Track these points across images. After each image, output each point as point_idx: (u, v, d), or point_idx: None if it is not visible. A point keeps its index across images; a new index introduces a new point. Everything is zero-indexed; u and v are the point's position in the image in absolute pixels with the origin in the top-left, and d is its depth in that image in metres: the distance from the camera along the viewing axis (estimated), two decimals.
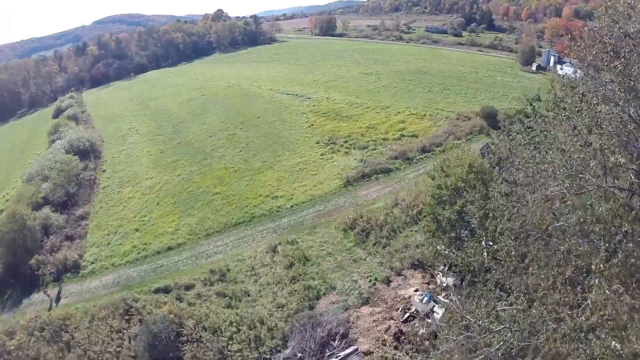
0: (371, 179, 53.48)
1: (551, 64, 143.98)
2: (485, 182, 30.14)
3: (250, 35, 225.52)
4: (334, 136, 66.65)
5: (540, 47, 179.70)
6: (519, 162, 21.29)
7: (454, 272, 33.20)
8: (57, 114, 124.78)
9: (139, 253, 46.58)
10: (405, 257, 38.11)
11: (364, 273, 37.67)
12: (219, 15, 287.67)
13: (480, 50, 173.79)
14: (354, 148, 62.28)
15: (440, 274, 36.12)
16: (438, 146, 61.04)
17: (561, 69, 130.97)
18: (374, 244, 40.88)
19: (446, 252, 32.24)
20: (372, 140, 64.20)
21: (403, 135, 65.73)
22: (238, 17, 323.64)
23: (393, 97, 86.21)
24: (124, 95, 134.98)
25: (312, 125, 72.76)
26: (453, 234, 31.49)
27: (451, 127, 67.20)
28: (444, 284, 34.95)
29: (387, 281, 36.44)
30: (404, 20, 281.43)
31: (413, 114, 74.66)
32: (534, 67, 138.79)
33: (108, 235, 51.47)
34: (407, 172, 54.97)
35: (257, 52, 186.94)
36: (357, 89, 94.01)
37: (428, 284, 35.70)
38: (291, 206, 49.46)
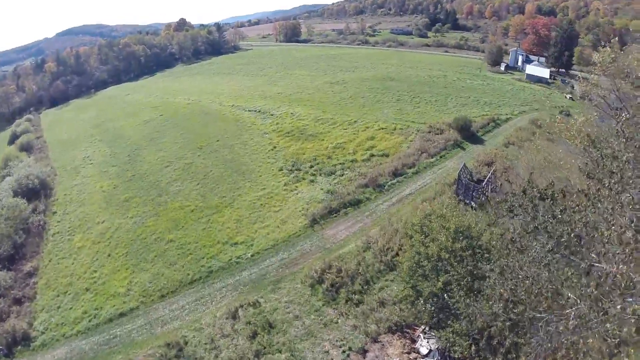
0: (339, 214, 47.09)
1: (519, 63, 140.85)
2: (474, 252, 24.89)
3: (214, 44, 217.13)
4: (299, 160, 60.13)
5: (506, 45, 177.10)
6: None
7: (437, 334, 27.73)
8: (13, 139, 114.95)
9: (90, 320, 39.10)
10: (381, 319, 31.88)
11: (336, 341, 31.34)
12: (182, 24, 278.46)
13: (446, 51, 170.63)
14: (320, 174, 55.88)
15: (422, 335, 30.47)
16: (411, 167, 55.36)
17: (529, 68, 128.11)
18: (346, 302, 34.47)
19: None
20: (340, 164, 57.89)
21: (373, 155, 59.59)
22: (202, 25, 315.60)
23: (361, 109, 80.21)
24: (82, 116, 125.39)
25: (275, 147, 66.00)
26: (438, 307, 25.66)
27: (423, 143, 61.54)
28: (427, 350, 29.32)
29: (363, 351, 30.17)
30: (369, 23, 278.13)
31: (382, 129, 68.78)
32: (502, 67, 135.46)
33: (58, 296, 43.85)
34: (378, 202, 48.80)
35: (220, 62, 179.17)
36: (323, 102, 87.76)
37: (409, 353, 29.73)
38: (252, 255, 42.60)
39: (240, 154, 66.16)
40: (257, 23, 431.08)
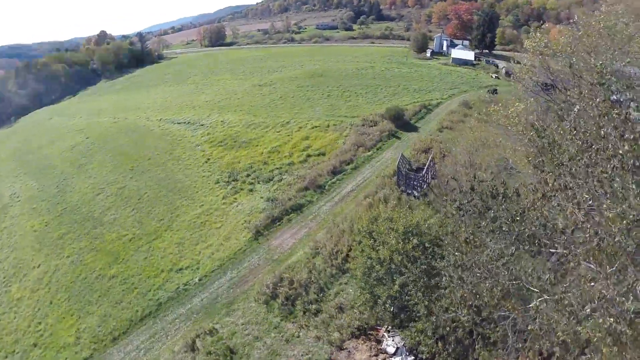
0: (283, 222, 44.77)
1: (444, 48, 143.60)
2: (425, 249, 23.83)
3: (137, 55, 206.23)
4: (234, 170, 57.20)
5: (430, 31, 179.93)
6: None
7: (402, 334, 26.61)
8: None
9: None
10: (343, 325, 30.05)
11: (302, 355, 29.21)
12: (102, 37, 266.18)
13: (372, 42, 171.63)
14: (258, 182, 53.35)
15: (386, 335, 29.11)
16: (349, 163, 53.98)
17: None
18: (304, 313, 32.34)
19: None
20: (277, 168, 55.56)
21: (309, 156, 57.77)
22: (124, 36, 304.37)
23: (292, 109, 78.20)
24: (5, 147, 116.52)
25: (209, 159, 62.65)
26: (398, 307, 24.58)
27: (359, 137, 60.35)
28: (394, 348, 28.02)
29: None
30: (294, 20, 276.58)
31: (316, 127, 67.12)
32: (428, 54, 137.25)
33: (6, 357, 39.33)
34: (320, 204, 46.97)
35: (144, 74, 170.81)
36: (253, 105, 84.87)
37: (376, 355, 28.22)
38: (200, 279, 39.54)
39: (173, 171, 62.42)
40: (180, 29, 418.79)
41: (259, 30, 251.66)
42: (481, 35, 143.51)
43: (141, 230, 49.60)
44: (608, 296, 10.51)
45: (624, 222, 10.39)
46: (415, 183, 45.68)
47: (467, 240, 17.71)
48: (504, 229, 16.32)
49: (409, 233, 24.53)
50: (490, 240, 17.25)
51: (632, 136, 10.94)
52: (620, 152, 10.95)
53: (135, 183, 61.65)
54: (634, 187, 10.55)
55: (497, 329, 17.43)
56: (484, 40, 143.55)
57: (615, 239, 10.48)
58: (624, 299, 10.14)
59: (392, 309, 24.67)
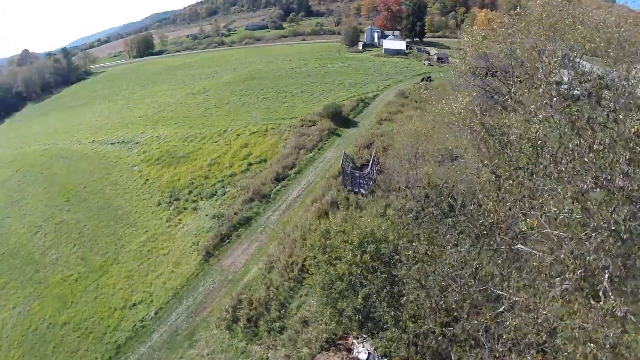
0: (232, 238, 42.58)
1: (376, 39, 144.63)
2: (381, 258, 22.86)
3: (63, 73, 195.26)
4: (175, 188, 54.36)
5: (361, 24, 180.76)
6: None
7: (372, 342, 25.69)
8: None
9: None
10: (311, 340, 28.63)
11: None
12: (25, 57, 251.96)
13: (304, 40, 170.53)
14: (201, 198, 50.86)
15: (355, 342, 28.00)
16: (292, 168, 52.42)
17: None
18: (269, 333, 30.68)
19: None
20: (219, 181, 53.21)
21: (251, 164, 55.75)
22: (48, 53, 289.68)
23: (228, 117, 75.79)
24: None
25: (148, 180, 59.31)
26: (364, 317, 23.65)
27: (298, 139, 58.95)
28: (366, 353, 27.00)
29: None
30: (223, 23, 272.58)
31: (254, 133, 65.14)
32: (360, 47, 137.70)
33: None
34: (268, 214, 45.17)
35: (72, 93, 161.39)
36: (188, 116, 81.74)
37: None
38: (156, 313, 36.79)
39: (112, 197, 58.55)
40: (107, 41, 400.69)
41: (188, 35, 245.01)
42: (411, 25, 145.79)
43: (86, 268, 45.90)
44: (587, 327, 10.09)
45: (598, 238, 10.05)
46: (361, 181, 44.94)
47: (427, 252, 17.50)
48: (467, 233, 16.00)
49: (364, 244, 23.41)
50: (451, 248, 17.00)
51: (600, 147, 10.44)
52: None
53: (73, 215, 57.26)
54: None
55: (470, 335, 16.88)
56: (414, 29, 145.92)
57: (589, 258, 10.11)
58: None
59: (358, 319, 23.67)
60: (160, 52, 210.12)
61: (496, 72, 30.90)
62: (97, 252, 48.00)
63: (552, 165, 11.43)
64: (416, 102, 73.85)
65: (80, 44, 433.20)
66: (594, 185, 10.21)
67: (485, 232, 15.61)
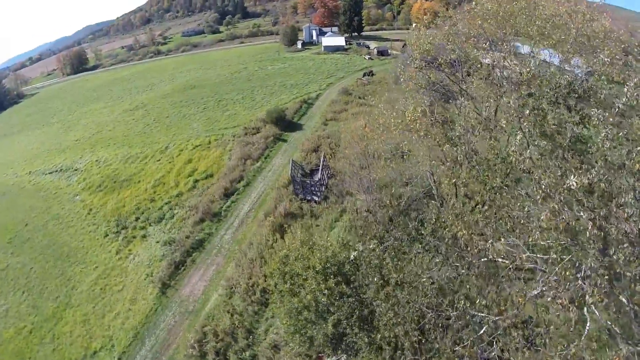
0: (187, 265, 39.83)
1: (314, 37, 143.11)
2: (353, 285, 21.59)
3: None
4: (121, 216, 50.74)
5: (298, 22, 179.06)
6: None
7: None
8: None
9: None
10: None
11: None
12: None
13: (242, 42, 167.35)
14: (150, 224, 47.62)
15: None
16: (240, 180, 50.10)
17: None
18: None
19: None
20: (166, 204, 50.11)
21: (197, 181, 52.97)
22: None
23: (169, 131, 72.36)
24: None
25: (91, 210, 55.26)
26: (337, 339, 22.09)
27: (243, 149, 56.67)
28: None
29: None
30: (158, 31, 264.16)
31: (197, 146, 62.26)
32: (299, 45, 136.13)
33: None
34: (221, 234, 42.74)
35: (4, 119, 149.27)
36: (127, 135, 77.37)
37: None
38: (119, 359, 34.30)
39: (56, 233, 53.95)
40: (39, 59, 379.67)
41: (123, 47, 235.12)
42: (349, 20, 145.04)
43: (39, 317, 41.73)
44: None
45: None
46: (313, 189, 43.29)
47: (398, 282, 17.00)
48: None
49: (327, 269, 21.74)
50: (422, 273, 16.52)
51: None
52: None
53: (18, 259, 52.11)
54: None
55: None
56: (352, 24, 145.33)
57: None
58: None
59: (331, 342, 22.09)
60: (95, 67, 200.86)
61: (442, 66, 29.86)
62: (47, 297, 43.95)
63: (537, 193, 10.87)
64: (360, 98, 72.90)
65: (12, 64, 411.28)
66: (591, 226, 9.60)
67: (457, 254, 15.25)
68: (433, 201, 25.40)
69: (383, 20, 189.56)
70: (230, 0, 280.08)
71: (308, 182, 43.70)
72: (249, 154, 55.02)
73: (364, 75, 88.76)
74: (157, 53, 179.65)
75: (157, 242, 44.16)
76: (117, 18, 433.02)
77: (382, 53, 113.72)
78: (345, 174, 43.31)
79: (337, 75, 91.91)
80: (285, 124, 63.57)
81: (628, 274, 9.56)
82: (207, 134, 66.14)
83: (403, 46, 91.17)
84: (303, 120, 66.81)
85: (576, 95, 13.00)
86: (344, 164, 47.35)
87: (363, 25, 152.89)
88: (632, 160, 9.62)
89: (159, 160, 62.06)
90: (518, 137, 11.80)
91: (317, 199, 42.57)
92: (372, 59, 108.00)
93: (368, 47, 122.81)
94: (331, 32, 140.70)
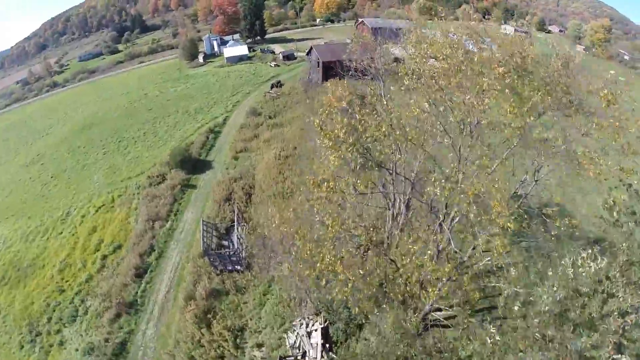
0: None
1: (216, 48, 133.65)
2: None
3: None
4: (32, 317, 41.10)
5: (199, 32, 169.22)
6: None
7: None
8: None
9: None
10: None
11: None
12: None
13: (142, 62, 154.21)
14: (64, 324, 38.84)
15: None
16: (152, 252, 42.63)
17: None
18: None
19: None
20: (77, 294, 41.29)
21: (105, 257, 44.59)
22: None
23: (69, 189, 62.36)
24: None
25: None
26: None
27: (150, 205, 48.98)
28: None
29: None
30: (54, 58, 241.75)
31: (100, 208, 53.46)
32: (201, 59, 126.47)
33: None
34: (143, 329, 35.42)
35: None
36: (25, 201, 65.60)
37: None
38: None
39: None
40: None
41: (17, 82, 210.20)
42: (250, 25, 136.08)
43: None
44: None
45: None
46: (231, 259, 37.32)
47: None
48: None
49: None
50: None
51: None
52: None
53: None
54: None
55: None
56: (254, 28, 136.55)
57: None
58: None
59: None
60: None
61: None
62: None
63: None
64: (270, 117, 67.18)
65: None
66: None
67: None
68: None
69: (286, 19, 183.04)
70: (128, 15, 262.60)
71: (224, 253, 37.56)
72: (156, 212, 47.64)
73: (272, 87, 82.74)
74: (53, 86, 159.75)
75: (77, 349, 35.89)
76: (11, 47, 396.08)
77: (288, 57, 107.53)
78: (264, 227, 37.93)
79: (243, 91, 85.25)
80: (192, 164, 56.59)
81: None
82: (109, 189, 57.57)
83: (308, 53, 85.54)
84: (211, 154, 60.14)
85: None
86: (262, 211, 42.06)
87: (266, 28, 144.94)
88: None
89: (61, 232, 52.48)
90: None
91: (240, 267, 36.75)
92: (278, 66, 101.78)
93: (273, 53, 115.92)
94: (233, 40, 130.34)
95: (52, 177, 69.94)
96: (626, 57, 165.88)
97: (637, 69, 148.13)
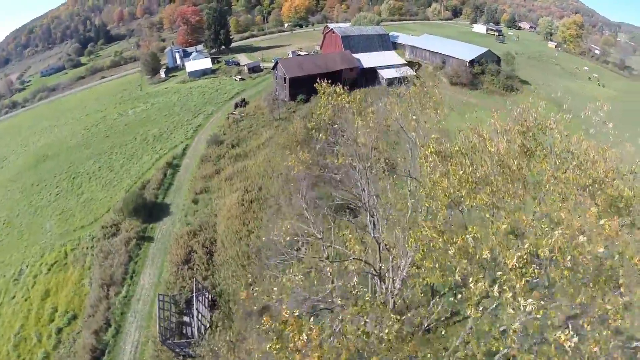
0: None
1: (178, 61, 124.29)
2: None
3: None
4: None
5: (164, 40, 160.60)
6: None
7: None
8: None
9: None
10: None
11: None
12: None
13: (103, 77, 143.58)
14: None
15: None
16: (107, 327, 36.73)
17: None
18: None
19: None
20: None
21: (61, 330, 38.54)
22: None
23: (21, 240, 55.02)
24: None
25: None
26: None
27: (104, 265, 43.08)
28: None
29: None
30: (16, 73, 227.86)
31: (53, 265, 46.83)
32: (163, 74, 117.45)
33: None
34: None
35: None
36: None
37: None
38: None
39: None
40: None
41: None
42: (214, 35, 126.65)
43: None
44: None
45: None
46: (195, 343, 32.01)
47: None
48: None
49: None
50: None
51: None
52: None
53: None
54: None
55: None
56: (219, 37, 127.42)
57: None
58: None
59: None
60: None
61: None
62: None
63: None
64: (233, 146, 61.58)
65: None
66: None
67: None
68: None
69: (254, 25, 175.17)
70: (92, 26, 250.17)
71: (185, 342, 32.10)
72: (111, 275, 41.76)
73: (236, 106, 76.91)
74: (12, 106, 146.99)
75: None
76: None
77: (254, 69, 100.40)
78: (229, 294, 33.10)
79: (206, 112, 78.95)
80: (147, 209, 50.50)
81: None
82: (62, 241, 51.11)
83: (274, 67, 79.69)
84: (169, 196, 54.11)
85: None
86: (226, 272, 37.02)
87: (232, 36, 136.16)
88: None
89: (13, 297, 45.69)
90: None
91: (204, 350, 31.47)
92: (243, 79, 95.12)
93: (238, 65, 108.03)
94: (196, 51, 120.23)
95: (3, 223, 62.31)
96: (597, 52, 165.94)
97: (608, 63, 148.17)
